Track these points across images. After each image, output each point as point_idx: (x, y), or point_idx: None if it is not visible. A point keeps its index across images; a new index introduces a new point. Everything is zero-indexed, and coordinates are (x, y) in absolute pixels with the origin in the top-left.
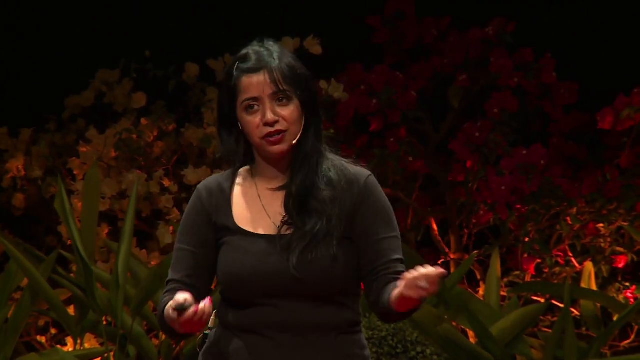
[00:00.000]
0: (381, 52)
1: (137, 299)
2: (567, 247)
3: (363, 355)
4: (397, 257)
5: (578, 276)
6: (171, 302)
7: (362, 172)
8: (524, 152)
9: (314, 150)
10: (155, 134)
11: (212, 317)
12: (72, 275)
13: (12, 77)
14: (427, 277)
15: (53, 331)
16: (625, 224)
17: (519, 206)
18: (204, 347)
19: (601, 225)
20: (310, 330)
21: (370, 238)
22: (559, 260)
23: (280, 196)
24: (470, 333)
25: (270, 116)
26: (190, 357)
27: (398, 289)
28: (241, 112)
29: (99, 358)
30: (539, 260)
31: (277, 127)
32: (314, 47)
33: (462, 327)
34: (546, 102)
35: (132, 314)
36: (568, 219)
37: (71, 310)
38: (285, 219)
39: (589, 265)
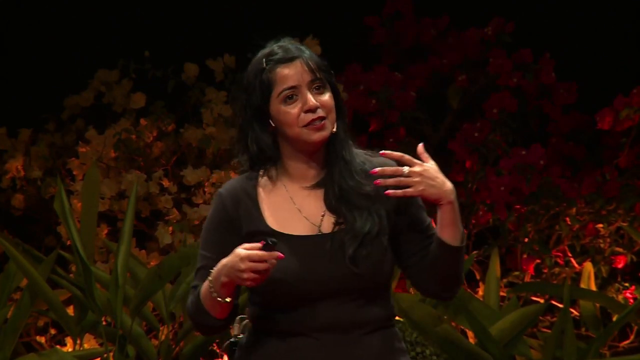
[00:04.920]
0: (380, 52)
1: (136, 299)
2: (566, 248)
3: (402, 348)
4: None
5: (577, 276)
6: (260, 243)
7: (387, 162)
8: (523, 152)
9: (345, 142)
10: (155, 134)
11: (236, 325)
12: (71, 275)
13: (11, 77)
14: (409, 161)
15: (52, 331)
16: (625, 224)
17: (518, 206)
18: (236, 355)
19: (600, 225)
20: (354, 328)
21: (419, 226)
22: (558, 260)
23: (314, 195)
24: (470, 333)
25: (312, 102)
26: (190, 357)
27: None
28: (277, 104)
29: (98, 358)
30: (538, 261)
31: (319, 113)
32: (313, 47)
33: (462, 327)
34: (545, 102)
35: (131, 314)
36: (567, 219)
37: (70, 310)
38: (334, 218)
39: (588, 266)
